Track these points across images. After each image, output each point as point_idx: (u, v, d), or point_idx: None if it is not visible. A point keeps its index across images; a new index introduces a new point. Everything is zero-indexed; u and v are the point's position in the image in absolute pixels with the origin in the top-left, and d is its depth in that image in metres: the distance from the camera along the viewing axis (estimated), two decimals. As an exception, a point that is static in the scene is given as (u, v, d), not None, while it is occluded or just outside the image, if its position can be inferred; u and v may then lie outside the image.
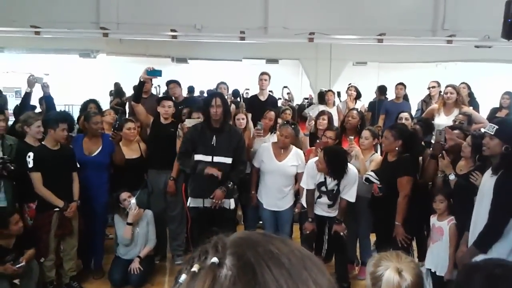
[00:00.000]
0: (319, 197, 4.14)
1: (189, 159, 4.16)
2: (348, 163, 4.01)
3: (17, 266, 3.61)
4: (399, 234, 3.82)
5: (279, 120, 5.39)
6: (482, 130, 3.73)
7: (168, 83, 5.88)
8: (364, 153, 4.38)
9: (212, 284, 0.55)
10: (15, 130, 4.51)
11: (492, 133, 2.96)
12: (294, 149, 4.49)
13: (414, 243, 4.31)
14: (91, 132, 4.41)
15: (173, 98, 5.29)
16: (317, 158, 4.03)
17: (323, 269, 0.61)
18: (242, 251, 0.59)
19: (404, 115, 5.09)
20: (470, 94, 6.30)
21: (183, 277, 0.59)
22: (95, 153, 4.39)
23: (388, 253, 1.89)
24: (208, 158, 4.07)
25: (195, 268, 0.58)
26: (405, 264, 1.80)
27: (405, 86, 6.95)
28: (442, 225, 3.51)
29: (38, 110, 5.33)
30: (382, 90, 7.72)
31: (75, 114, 5.93)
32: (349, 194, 4.04)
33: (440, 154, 3.75)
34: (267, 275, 0.56)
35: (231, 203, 4.25)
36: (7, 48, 10.95)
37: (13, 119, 5.21)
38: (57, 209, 3.95)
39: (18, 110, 4.95)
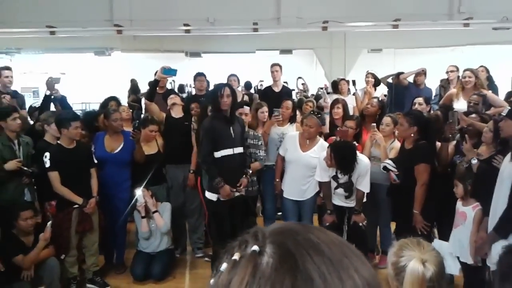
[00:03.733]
0: (336, 187, 4.11)
1: (214, 168, 3.95)
2: (358, 155, 3.96)
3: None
4: (418, 222, 3.78)
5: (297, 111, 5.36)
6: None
7: (197, 75, 5.85)
8: (385, 140, 4.33)
9: (254, 272, 0.56)
10: (35, 130, 4.59)
11: (505, 115, 2.94)
12: (320, 141, 4.42)
13: (435, 230, 4.26)
14: (112, 129, 4.45)
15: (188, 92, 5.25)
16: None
17: (362, 258, 0.61)
18: (282, 239, 0.59)
19: (419, 100, 5.00)
20: (489, 78, 6.16)
21: (224, 265, 0.59)
22: (117, 150, 4.43)
23: (408, 240, 1.83)
24: (230, 151, 3.97)
25: (236, 256, 0.59)
26: (428, 253, 1.76)
27: (425, 74, 6.78)
28: (466, 210, 3.44)
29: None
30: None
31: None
32: (363, 185, 4.00)
33: (461, 138, 3.70)
34: (308, 263, 0.56)
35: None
36: (24, 49, 11.11)
37: (29, 119, 5.30)
38: (76, 206, 4.01)
39: (38, 112, 5.03)
